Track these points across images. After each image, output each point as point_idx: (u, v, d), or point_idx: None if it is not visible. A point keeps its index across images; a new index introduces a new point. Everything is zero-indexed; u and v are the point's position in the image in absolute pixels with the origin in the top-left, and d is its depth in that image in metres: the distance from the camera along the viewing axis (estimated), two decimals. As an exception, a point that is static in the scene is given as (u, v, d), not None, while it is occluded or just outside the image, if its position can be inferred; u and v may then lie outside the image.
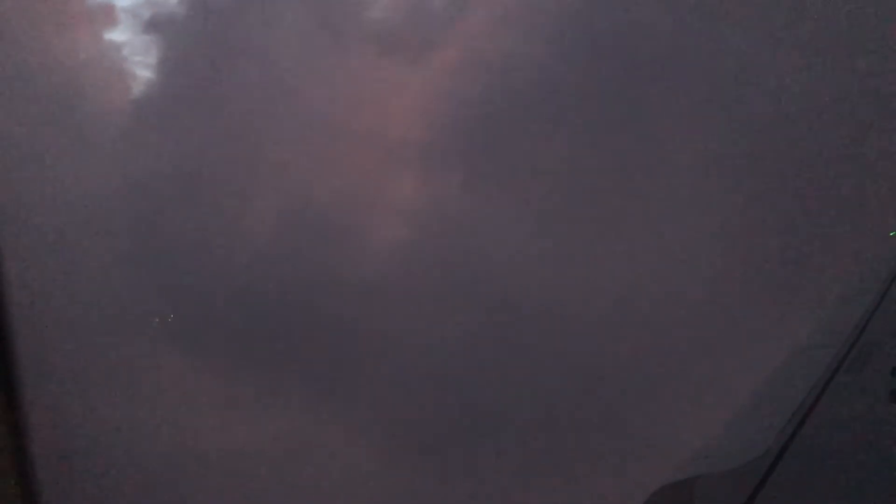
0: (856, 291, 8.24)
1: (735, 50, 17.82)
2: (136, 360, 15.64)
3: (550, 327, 16.43)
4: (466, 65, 19.55)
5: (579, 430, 14.83)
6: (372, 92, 20.13)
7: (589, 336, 16.67)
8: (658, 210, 17.75)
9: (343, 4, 21.40)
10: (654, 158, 18.17)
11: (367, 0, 22.84)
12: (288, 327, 16.97)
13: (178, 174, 18.38)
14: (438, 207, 19.23)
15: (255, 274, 17.74)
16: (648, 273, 17.42)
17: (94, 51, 20.48)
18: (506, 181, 18.69)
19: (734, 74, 17.82)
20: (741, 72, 17.77)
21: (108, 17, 21.26)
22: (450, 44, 20.19)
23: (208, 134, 19.01)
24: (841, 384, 5.52)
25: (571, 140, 18.49)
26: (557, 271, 17.35)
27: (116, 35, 21.67)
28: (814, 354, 6.41)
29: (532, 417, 15.31)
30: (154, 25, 21.15)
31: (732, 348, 14.44)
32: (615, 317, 17.30)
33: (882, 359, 6.00)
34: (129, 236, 17.82)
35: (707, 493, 4.10)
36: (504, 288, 17.25)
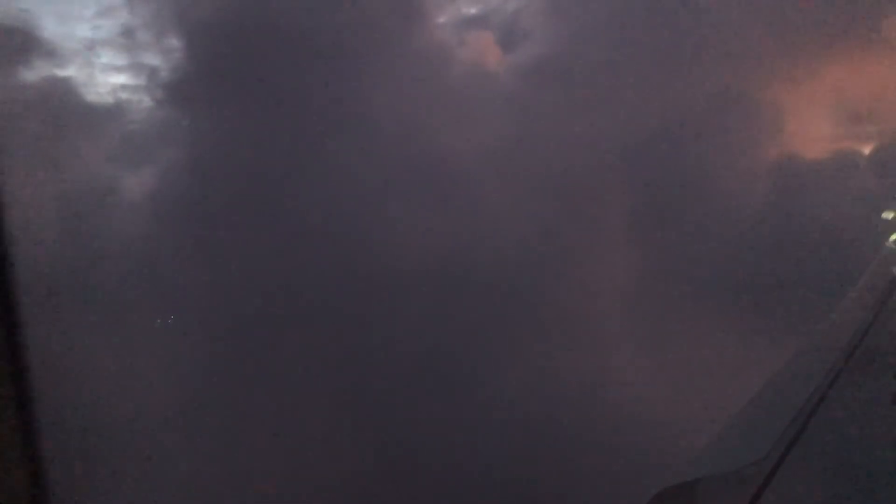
0: (858, 294, 8.24)
1: None
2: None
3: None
4: None
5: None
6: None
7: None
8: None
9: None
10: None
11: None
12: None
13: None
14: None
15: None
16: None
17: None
18: None
19: None
20: None
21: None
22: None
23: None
24: (843, 387, 5.52)
25: None
26: None
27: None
28: (816, 357, 6.43)
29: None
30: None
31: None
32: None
33: (885, 362, 6.01)
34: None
35: (709, 496, 4.12)
36: None
